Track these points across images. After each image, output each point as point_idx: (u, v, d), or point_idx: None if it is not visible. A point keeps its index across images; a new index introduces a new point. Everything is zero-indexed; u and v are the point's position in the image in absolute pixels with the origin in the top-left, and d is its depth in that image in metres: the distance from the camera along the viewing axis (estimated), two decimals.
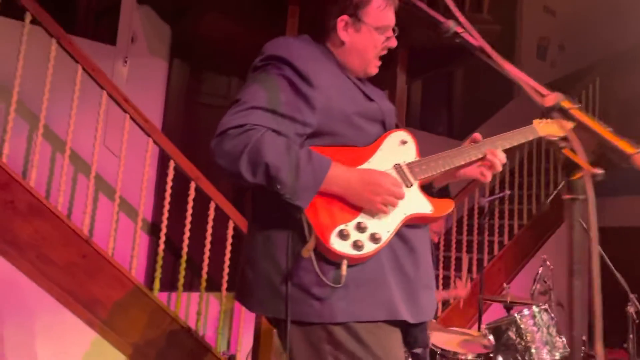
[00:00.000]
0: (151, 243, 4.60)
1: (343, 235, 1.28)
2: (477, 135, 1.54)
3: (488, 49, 0.87)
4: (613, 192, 6.08)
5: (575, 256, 0.78)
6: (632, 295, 3.06)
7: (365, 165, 1.39)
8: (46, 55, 3.27)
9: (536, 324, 3.04)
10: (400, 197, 1.35)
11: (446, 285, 5.03)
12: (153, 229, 4.58)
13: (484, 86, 7.25)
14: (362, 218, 1.32)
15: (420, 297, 1.39)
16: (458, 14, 0.94)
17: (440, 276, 4.91)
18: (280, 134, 1.28)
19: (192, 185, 3.64)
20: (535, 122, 1.71)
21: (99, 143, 3.42)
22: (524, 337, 3.01)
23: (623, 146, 0.73)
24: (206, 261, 3.67)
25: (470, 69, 6.99)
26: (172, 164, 3.59)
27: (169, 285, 4.27)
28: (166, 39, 4.72)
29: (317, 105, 1.34)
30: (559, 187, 3.26)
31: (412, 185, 1.42)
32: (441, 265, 5.02)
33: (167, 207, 3.56)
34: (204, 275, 3.70)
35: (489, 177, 1.51)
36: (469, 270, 5.21)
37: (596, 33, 6.89)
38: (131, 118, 3.45)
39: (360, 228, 1.31)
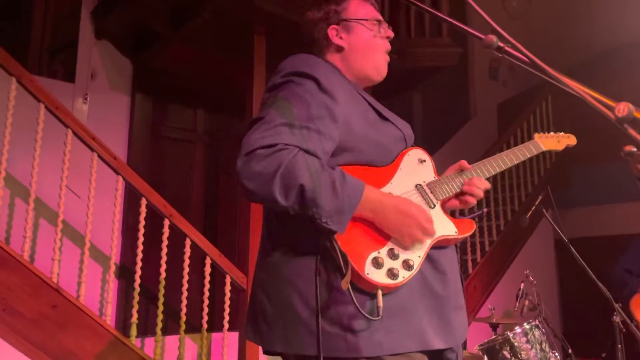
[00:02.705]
0: (120, 286, 4.36)
1: (378, 264, 1.22)
2: (463, 162, 1.50)
3: (539, 62, 0.84)
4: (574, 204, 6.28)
5: None
6: (617, 305, 3.10)
7: (388, 187, 1.34)
8: (3, 95, 3.09)
9: (529, 341, 3.04)
10: (431, 234, 1.31)
11: None
12: (122, 272, 4.36)
13: (441, 107, 7.41)
14: (393, 244, 1.27)
15: (452, 319, 1.34)
16: (499, 28, 0.91)
17: None
18: (311, 152, 1.22)
19: (166, 222, 3.49)
20: (537, 136, 1.70)
21: (64, 185, 3.23)
22: (519, 355, 2.99)
23: None
24: (184, 302, 3.49)
25: (427, 91, 7.14)
26: (144, 202, 3.43)
27: (142, 329, 4.04)
28: (127, 73, 4.58)
29: (339, 119, 1.30)
30: (537, 202, 3.30)
31: (435, 206, 1.38)
32: None
33: (140, 247, 3.39)
34: (183, 317, 3.51)
35: (471, 203, 1.46)
36: None
37: (544, 53, 7.20)
38: (99, 156, 3.28)
39: (393, 255, 1.25)
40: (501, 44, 0.90)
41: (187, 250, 3.55)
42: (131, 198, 4.10)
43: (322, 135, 1.25)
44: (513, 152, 1.59)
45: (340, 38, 1.47)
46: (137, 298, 3.37)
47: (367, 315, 1.19)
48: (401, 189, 1.36)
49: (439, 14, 1.14)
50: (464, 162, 1.49)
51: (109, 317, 3.25)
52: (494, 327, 3.70)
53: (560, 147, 1.74)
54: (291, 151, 1.19)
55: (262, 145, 1.18)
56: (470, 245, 5.40)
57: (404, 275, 1.24)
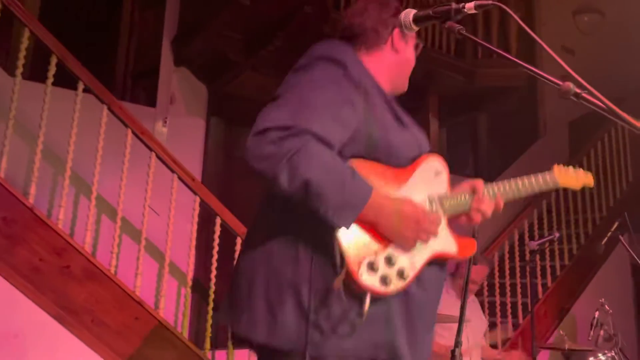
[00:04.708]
0: (194, 300, 4.57)
1: (373, 269, 1.20)
2: (479, 182, 1.43)
3: (615, 108, 0.88)
4: None
5: None
6: None
7: (401, 191, 1.31)
8: (95, 121, 3.36)
9: None
10: (435, 235, 1.29)
11: (492, 328, 4.90)
12: (196, 286, 4.56)
13: (509, 127, 7.26)
14: (391, 250, 1.25)
15: (422, 339, 1.33)
16: (575, 75, 0.95)
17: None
18: (324, 140, 1.19)
19: (239, 240, 3.65)
20: (556, 168, 1.55)
21: (147, 204, 3.46)
22: None
23: None
24: None
25: (493, 111, 7.03)
26: (218, 221, 3.61)
27: (214, 342, 4.21)
28: (203, 98, 4.84)
29: (359, 110, 1.28)
30: (613, 228, 3.20)
31: (440, 221, 1.35)
32: (486, 311, 4.90)
33: (214, 264, 3.56)
34: None
35: (476, 221, 1.41)
36: (514, 315, 5.08)
37: (618, 69, 6.93)
38: (179, 178, 3.50)
39: (390, 262, 1.24)
40: (578, 90, 0.93)
41: None
42: (205, 216, 4.31)
43: (340, 122, 1.23)
44: (530, 180, 1.49)
45: (400, 43, 1.47)
46: (210, 313, 3.53)
47: (351, 317, 1.18)
48: (413, 197, 1.32)
49: (512, 58, 1.19)
50: (479, 182, 1.43)
51: (185, 330, 3.43)
52: (567, 356, 3.58)
53: (577, 185, 1.59)
54: (303, 137, 1.15)
55: (276, 126, 1.16)
56: (541, 269, 5.25)
57: (396, 285, 1.23)
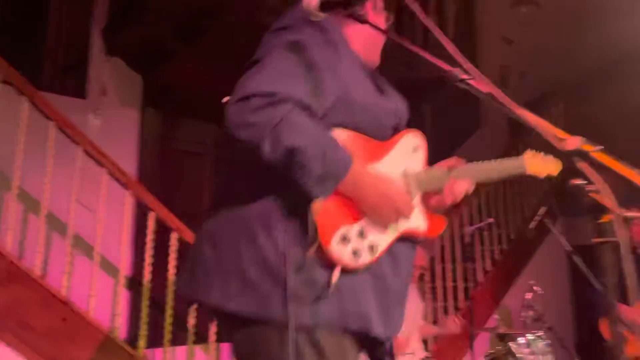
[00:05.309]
0: (131, 298, 4.44)
1: (344, 240, 1.20)
2: (458, 160, 1.43)
3: (499, 94, 0.88)
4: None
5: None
6: (617, 314, 3.09)
7: (378, 165, 1.32)
8: (16, 114, 3.19)
9: (532, 352, 3.04)
10: (407, 217, 1.29)
11: (435, 316, 5.02)
12: (132, 284, 4.44)
13: (452, 116, 7.40)
14: (364, 224, 1.24)
15: (393, 311, 1.33)
16: (462, 60, 0.95)
17: (429, 308, 4.88)
18: (308, 108, 1.18)
19: (174, 236, 3.56)
20: (527, 154, 1.52)
21: (74, 200, 3.33)
22: None
23: None
24: (192, 313, 3.55)
25: (437, 101, 7.14)
26: (152, 216, 3.51)
27: (152, 340, 4.11)
28: (137, 89, 4.68)
29: (341, 76, 1.26)
30: (539, 213, 3.30)
31: (414, 197, 1.36)
32: (429, 295, 4.99)
33: (148, 260, 3.46)
34: (191, 329, 3.57)
35: (447, 203, 1.39)
36: (455, 298, 5.21)
37: (555, 58, 7.16)
38: (109, 172, 3.37)
39: (362, 235, 1.24)
40: (464, 77, 0.93)
41: None
42: (142, 212, 4.19)
43: (322, 88, 1.21)
44: (500, 164, 1.48)
45: (373, 12, 1.43)
46: (145, 310, 3.44)
47: (320, 287, 1.17)
48: (388, 170, 1.32)
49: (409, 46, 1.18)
50: (457, 161, 1.43)
51: (119, 329, 3.33)
52: (501, 337, 3.70)
53: (542, 173, 1.52)
54: (288, 105, 1.14)
55: (260, 93, 1.14)
56: (481, 254, 5.39)
57: (365, 258, 1.23)
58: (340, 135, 1.26)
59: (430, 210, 1.42)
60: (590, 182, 0.76)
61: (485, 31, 7.92)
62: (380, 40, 1.49)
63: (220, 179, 1.39)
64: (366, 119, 1.31)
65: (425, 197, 1.41)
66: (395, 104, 1.42)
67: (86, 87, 4.45)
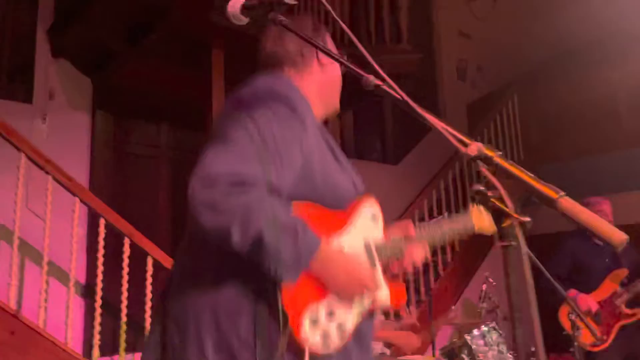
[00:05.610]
0: (87, 306, 4.34)
1: (313, 322, 1.19)
2: (410, 226, 1.46)
3: (408, 100, 0.88)
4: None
5: (514, 304, 0.78)
6: (569, 302, 3.17)
7: (343, 238, 1.31)
8: None
9: (487, 343, 3.09)
10: (374, 291, 1.29)
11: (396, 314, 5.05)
12: (88, 291, 4.33)
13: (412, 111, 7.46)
14: (331, 302, 1.24)
15: None
16: (377, 67, 0.94)
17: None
18: (277, 190, 1.16)
19: (127, 241, 3.49)
20: (475, 210, 1.56)
21: (19, 207, 3.22)
22: (477, 358, 3.04)
23: (547, 191, 0.74)
24: (148, 319, 3.49)
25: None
26: (102, 222, 3.43)
27: (110, 348, 4.02)
28: (87, 92, 4.56)
29: (305, 149, 1.25)
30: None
31: (376, 268, 1.35)
32: None
33: (100, 267, 3.38)
34: (146, 335, 3.50)
35: (408, 270, 1.44)
36: (417, 292, 5.26)
37: (510, 52, 7.30)
38: (54, 179, 3.28)
39: (330, 315, 1.23)
40: (378, 82, 0.93)
41: (149, 269, 3.55)
42: (94, 218, 4.09)
43: (288, 166, 1.20)
44: (450, 226, 1.53)
45: (325, 59, 1.41)
46: (98, 319, 3.36)
47: None
48: (352, 244, 1.32)
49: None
50: (410, 227, 1.45)
51: (73, 339, 3.24)
52: (459, 329, 3.74)
53: (489, 230, 1.54)
54: (257, 191, 1.12)
55: (228, 173, 1.11)
56: (441, 247, 5.45)
57: (335, 341, 1.22)
58: (304, 210, 1.24)
59: (391, 277, 1.43)
60: (491, 187, 0.76)
61: (442, 25, 8.03)
62: (339, 83, 1.48)
63: (185, 247, 1.33)
64: (328, 192, 1.30)
65: (386, 266, 1.42)
66: (351, 176, 1.42)
67: (33, 91, 4.30)
